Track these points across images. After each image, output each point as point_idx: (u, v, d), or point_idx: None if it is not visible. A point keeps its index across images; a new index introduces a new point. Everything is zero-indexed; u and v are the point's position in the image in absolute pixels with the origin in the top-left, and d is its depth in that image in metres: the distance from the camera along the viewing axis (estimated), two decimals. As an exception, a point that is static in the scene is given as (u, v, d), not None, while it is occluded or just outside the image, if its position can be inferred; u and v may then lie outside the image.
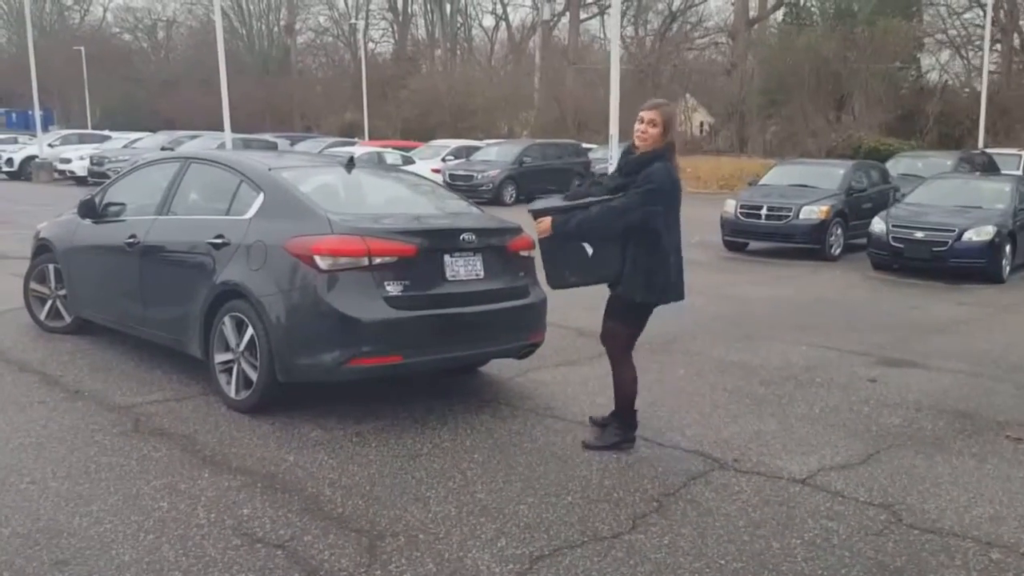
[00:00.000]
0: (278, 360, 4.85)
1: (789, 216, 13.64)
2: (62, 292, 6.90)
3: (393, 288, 4.84)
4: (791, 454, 4.80)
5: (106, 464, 4.27)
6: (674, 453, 4.72)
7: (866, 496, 4.27)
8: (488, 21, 76.55)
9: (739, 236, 14.21)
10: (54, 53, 52.99)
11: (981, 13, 37.16)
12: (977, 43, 38.01)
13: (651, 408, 5.41)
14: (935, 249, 11.76)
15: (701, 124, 46.62)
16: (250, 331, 4.99)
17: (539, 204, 4.69)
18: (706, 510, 4.01)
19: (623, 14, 51.51)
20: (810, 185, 14.56)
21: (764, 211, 13.85)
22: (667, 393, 5.82)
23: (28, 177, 28.72)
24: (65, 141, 31.60)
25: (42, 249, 7.08)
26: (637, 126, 4.48)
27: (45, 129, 35.30)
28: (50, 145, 30.26)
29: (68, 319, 6.92)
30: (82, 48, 50.09)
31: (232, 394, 5.15)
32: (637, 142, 4.49)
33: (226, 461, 4.36)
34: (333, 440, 4.70)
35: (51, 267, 6.97)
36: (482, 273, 5.22)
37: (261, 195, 5.28)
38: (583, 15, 52.80)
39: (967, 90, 37.68)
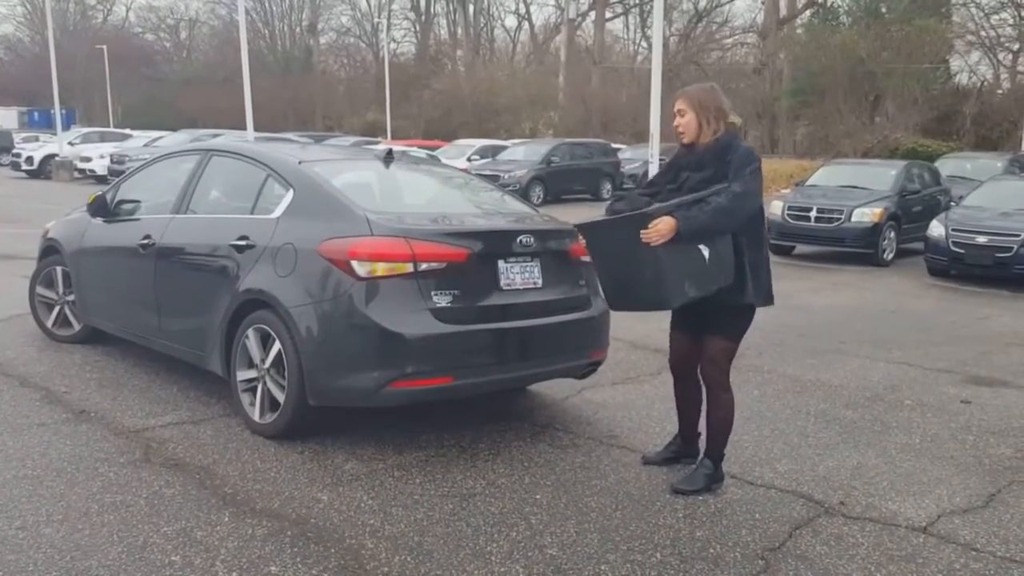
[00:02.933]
0: (309, 381, 4.22)
1: (840, 219, 12.89)
2: (71, 297, 6.33)
3: (441, 299, 4.21)
4: (902, 494, 4.11)
5: (110, 504, 3.66)
6: (769, 494, 4.04)
7: (1003, 550, 3.58)
8: (511, 21, 75.94)
9: (786, 239, 13.46)
10: (77, 52, 53.00)
11: (1011, 15, 36.28)
12: (1007, 44, 37.05)
13: (732, 437, 4.71)
14: (998, 255, 11.01)
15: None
16: (277, 346, 4.36)
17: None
18: (822, 570, 3.33)
19: (647, 14, 50.95)
20: (860, 186, 13.80)
21: (813, 213, 13.10)
22: (746, 419, 5.13)
23: (48, 176, 28.42)
24: (86, 139, 31.28)
25: (50, 250, 6.50)
26: (674, 123, 3.98)
27: (67, 128, 35.06)
28: (70, 143, 29.93)
29: (77, 327, 6.34)
30: (104, 47, 49.95)
31: (256, 417, 4.53)
32: (680, 138, 3.97)
33: (249, 501, 3.73)
34: (372, 474, 4.06)
35: (59, 270, 6.39)
36: (540, 282, 4.57)
37: (290, 191, 4.66)
38: (607, 14, 52.10)
39: (1000, 91, 36.72)
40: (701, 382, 4.11)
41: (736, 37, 49.36)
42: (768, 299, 3.98)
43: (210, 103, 48.50)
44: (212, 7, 62.31)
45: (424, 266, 4.16)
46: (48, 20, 31.88)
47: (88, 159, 27.27)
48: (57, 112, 30.69)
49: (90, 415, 4.81)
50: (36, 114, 54.01)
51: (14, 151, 31.96)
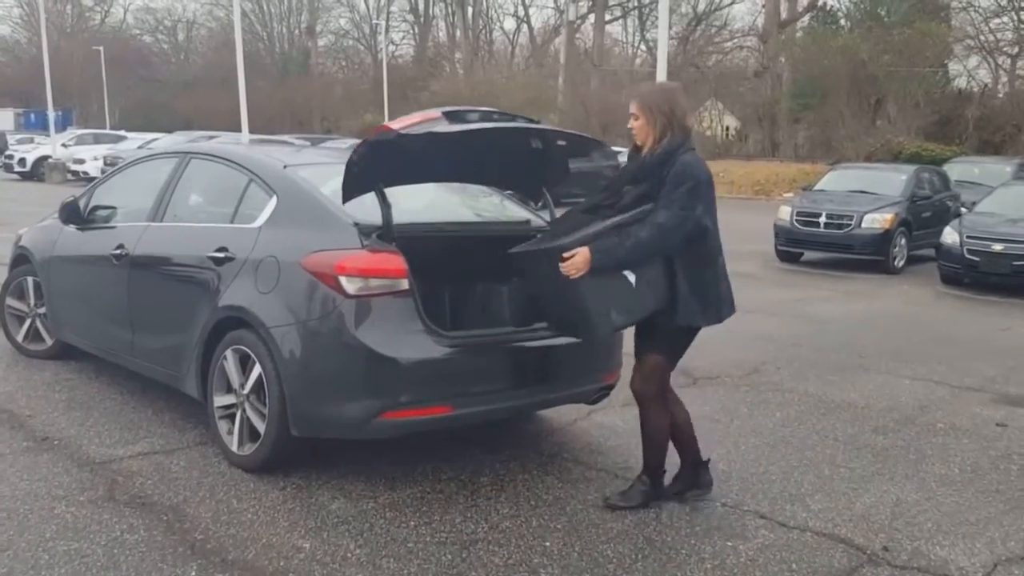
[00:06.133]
0: (292, 409, 3.80)
1: (850, 225, 12.53)
2: (42, 310, 5.91)
3: None
4: (950, 537, 3.70)
5: (64, 553, 3.23)
6: (804, 539, 3.62)
7: (1073, 607, 3.18)
8: (509, 24, 75.57)
9: (795, 246, 13.10)
10: (74, 54, 52.57)
11: (1010, 19, 36.00)
12: (1005, 48, 36.71)
13: (756, 467, 4.35)
14: (1015, 263, 10.62)
15: (726, 128, 45.49)
16: (257, 370, 3.94)
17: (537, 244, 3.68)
18: (873, 635, 2.92)
19: (645, 17, 50.57)
20: (870, 191, 13.45)
21: (823, 219, 12.74)
22: (769, 446, 4.73)
23: (41, 178, 28.00)
24: (80, 141, 30.85)
25: (21, 259, 6.07)
26: (628, 126, 3.74)
27: (63, 129, 34.67)
28: (64, 145, 29.53)
29: (49, 342, 5.92)
30: (101, 49, 49.53)
31: (234, 447, 4.10)
32: (635, 140, 3.71)
33: (221, 549, 3.30)
34: (361, 516, 3.64)
35: (30, 280, 5.97)
36: None
37: (274, 198, 4.24)
38: (606, 17, 51.73)
39: (999, 96, 36.42)
40: (678, 400, 3.95)
41: (735, 40, 49.04)
42: (722, 312, 3.70)
43: (207, 105, 48.08)
44: (210, 9, 61.87)
45: None
46: (41, 21, 31.52)
47: (81, 161, 26.89)
48: (50, 114, 30.30)
49: (53, 443, 4.39)
50: (33, 116, 53.55)
51: (7, 152, 31.55)
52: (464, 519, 3.64)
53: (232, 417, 4.14)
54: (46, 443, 4.38)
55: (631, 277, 3.50)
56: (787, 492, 4.09)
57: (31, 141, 33.96)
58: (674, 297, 3.56)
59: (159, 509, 3.63)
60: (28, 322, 6.04)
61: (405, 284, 3.74)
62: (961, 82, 38.76)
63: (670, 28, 47.40)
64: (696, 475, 3.95)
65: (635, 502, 3.81)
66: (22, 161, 29.35)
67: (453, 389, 3.79)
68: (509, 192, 5.01)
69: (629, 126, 3.68)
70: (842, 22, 42.02)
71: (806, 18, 44.79)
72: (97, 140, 31.24)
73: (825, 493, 4.10)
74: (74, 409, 4.93)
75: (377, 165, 3.75)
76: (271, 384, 3.85)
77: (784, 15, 44.68)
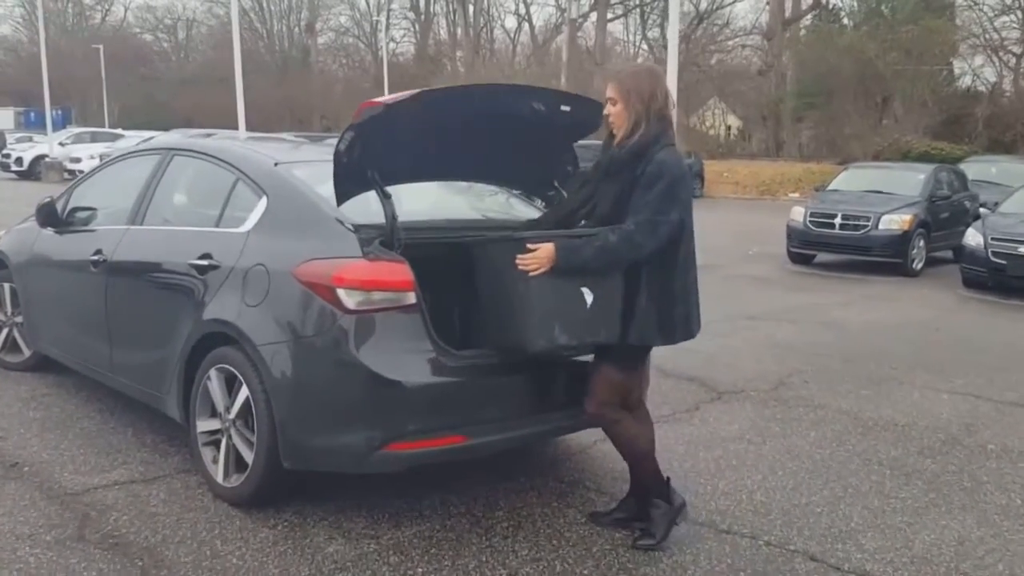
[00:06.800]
0: (283, 438, 3.38)
1: (867, 226, 12.11)
2: (20, 319, 5.50)
3: None
4: (1024, 582, 3.29)
5: (20, 607, 2.83)
6: (862, 586, 3.21)
7: None
8: (511, 22, 75.09)
9: (809, 248, 12.69)
10: (74, 53, 52.17)
11: (1016, 17, 35.56)
12: (1010, 47, 36.30)
13: (798, 497, 3.93)
14: (1043, 266, 10.21)
15: (728, 128, 45.12)
16: (244, 392, 3.52)
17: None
18: None
19: (647, 15, 50.08)
20: (887, 191, 13.04)
21: (838, 220, 12.32)
22: (809, 472, 4.31)
23: (38, 177, 27.61)
24: (77, 140, 30.53)
25: (-3, 264, 5.67)
26: (604, 112, 3.34)
27: (62, 128, 34.28)
28: (61, 144, 29.16)
29: (27, 353, 5.52)
30: (100, 47, 49.19)
31: (219, 478, 3.68)
32: (611, 129, 3.34)
33: (202, 602, 2.90)
34: (361, 560, 3.22)
35: (7, 287, 5.56)
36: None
37: (264, 199, 3.81)
38: (608, 15, 51.33)
39: (1007, 94, 36.00)
40: (648, 418, 3.58)
41: (738, 39, 48.60)
42: (689, 329, 3.33)
43: (208, 103, 47.69)
44: (210, 7, 61.39)
45: None
46: (40, 20, 31.09)
47: (78, 160, 26.55)
48: (47, 112, 29.92)
49: (23, 470, 3.97)
50: (33, 114, 53.21)
51: (4, 151, 31.18)
52: (478, 563, 3.22)
53: (217, 444, 3.72)
54: (14, 470, 3.97)
55: (588, 297, 3.14)
56: (836, 528, 3.67)
57: (29, 140, 33.61)
58: (630, 309, 3.19)
59: (134, 551, 3.22)
60: (5, 331, 5.64)
61: (412, 297, 3.32)
62: (966, 80, 38.42)
63: (675, 25, 47.08)
64: (643, 507, 3.54)
65: (661, 533, 3.41)
66: (19, 160, 29.02)
67: (466, 416, 3.37)
68: (517, 191, 4.59)
69: (606, 112, 3.29)
70: (845, 20, 41.67)
71: (809, 16, 44.39)
72: (95, 138, 30.93)
73: (878, 529, 3.68)
74: (49, 430, 4.51)
75: (369, 153, 3.34)
76: (259, 409, 3.44)
77: (788, 13, 44.29)
